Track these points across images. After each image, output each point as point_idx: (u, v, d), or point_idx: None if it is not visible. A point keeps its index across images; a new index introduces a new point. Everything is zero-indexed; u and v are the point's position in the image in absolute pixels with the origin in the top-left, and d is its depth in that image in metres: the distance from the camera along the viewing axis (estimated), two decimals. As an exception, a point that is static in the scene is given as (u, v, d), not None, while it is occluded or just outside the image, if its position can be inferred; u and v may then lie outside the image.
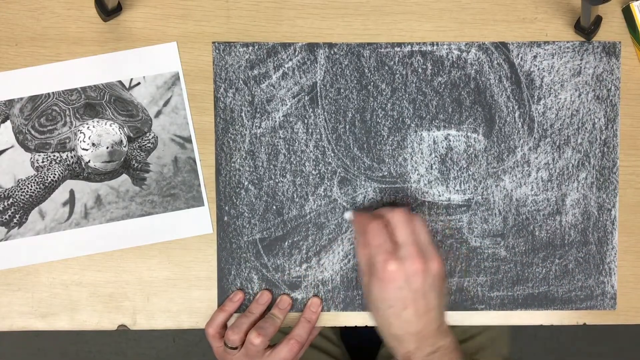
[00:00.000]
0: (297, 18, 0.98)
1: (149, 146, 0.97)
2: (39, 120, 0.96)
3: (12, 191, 0.96)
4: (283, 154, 0.97)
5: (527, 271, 0.98)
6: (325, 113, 0.97)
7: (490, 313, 0.99)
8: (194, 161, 0.97)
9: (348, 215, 0.97)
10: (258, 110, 0.97)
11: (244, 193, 0.97)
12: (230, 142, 0.97)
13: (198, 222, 0.98)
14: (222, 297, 0.98)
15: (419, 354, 0.86)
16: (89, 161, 0.96)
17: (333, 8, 0.98)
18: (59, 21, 0.97)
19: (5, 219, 0.97)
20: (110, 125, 0.97)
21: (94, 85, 0.97)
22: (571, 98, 0.98)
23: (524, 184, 0.98)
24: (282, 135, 0.97)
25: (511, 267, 0.98)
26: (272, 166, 0.97)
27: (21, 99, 0.96)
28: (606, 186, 0.98)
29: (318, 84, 0.97)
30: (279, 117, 0.97)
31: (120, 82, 0.97)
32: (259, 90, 0.97)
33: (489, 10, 0.98)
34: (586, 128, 0.98)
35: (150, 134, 0.97)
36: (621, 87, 0.98)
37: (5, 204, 0.96)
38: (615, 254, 0.98)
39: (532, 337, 2.02)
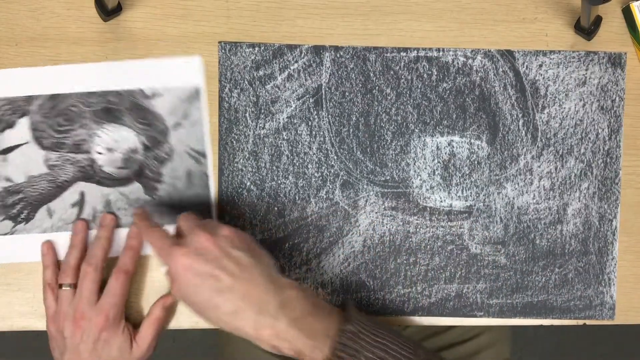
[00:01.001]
0: (297, 18, 0.98)
1: (164, 157, 0.97)
2: (57, 119, 0.96)
3: (22, 186, 0.97)
4: (286, 156, 0.97)
5: (526, 279, 0.98)
6: (329, 116, 0.97)
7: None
8: (207, 177, 0.98)
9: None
10: (262, 111, 0.97)
11: (245, 194, 0.98)
12: (234, 142, 0.97)
13: None
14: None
15: (281, 325, 0.81)
16: (103, 165, 0.97)
17: (333, 8, 0.98)
18: (59, 21, 0.97)
19: (13, 213, 0.97)
20: (128, 132, 0.97)
21: (115, 91, 0.97)
22: (575, 108, 0.98)
23: (526, 192, 0.98)
24: (285, 137, 0.97)
25: (511, 274, 0.98)
26: (274, 167, 0.97)
27: (41, 96, 0.96)
28: (608, 197, 0.98)
29: (323, 87, 0.97)
30: (283, 119, 0.97)
31: (141, 90, 0.97)
32: (263, 91, 0.97)
33: (489, 10, 0.98)
34: (589, 138, 0.98)
35: (166, 145, 0.97)
36: (621, 87, 0.99)
37: (15, 198, 0.97)
38: (615, 264, 0.99)
39: (532, 337, 2.02)
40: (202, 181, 0.97)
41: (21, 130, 0.96)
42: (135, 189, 0.97)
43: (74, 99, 0.96)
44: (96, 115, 0.96)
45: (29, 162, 0.97)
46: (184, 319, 0.99)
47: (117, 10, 0.96)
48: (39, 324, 0.99)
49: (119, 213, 0.97)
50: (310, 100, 0.97)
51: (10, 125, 0.96)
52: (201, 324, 0.99)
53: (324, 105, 0.97)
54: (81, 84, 0.96)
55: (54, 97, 0.96)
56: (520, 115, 0.97)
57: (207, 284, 0.81)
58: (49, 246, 0.96)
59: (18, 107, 0.96)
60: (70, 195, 0.97)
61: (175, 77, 0.97)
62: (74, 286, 0.92)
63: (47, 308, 0.94)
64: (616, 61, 0.98)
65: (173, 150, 0.97)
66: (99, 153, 0.96)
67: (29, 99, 0.96)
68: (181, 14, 0.98)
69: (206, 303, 0.82)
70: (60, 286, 0.93)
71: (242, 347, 1.22)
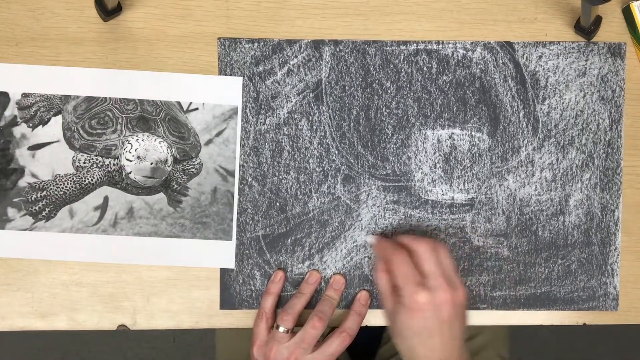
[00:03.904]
0: (297, 18, 0.98)
1: (193, 171, 0.97)
2: (90, 122, 0.96)
3: (47, 184, 0.97)
4: (287, 151, 0.97)
5: (529, 271, 0.98)
6: (329, 110, 0.97)
7: (490, 312, 0.99)
8: (232, 195, 0.98)
9: (370, 239, 0.98)
10: (263, 106, 0.97)
11: (247, 189, 0.97)
12: (240, 135, 0.97)
13: (222, 255, 0.98)
14: (225, 294, 0.98)
15: None
16: (130, 172, 0.97)
17: (333, 8, 0.98)
18: (59, 21, 0.97)
19: (35, 209, 0.97)
20: (159, 143, 0.97)
21: (152, 101, 0.97)
22: (576, 98, 0.98)
23: (528, 184, 0.98)
24: (286, 132, 0.97)
25: (514, 266, 0.98)
26: (276, 163, 0.97)
27: (78, 97, 0.97)
28: (610, 187, 0.98)
29: (323, 81, 0.97)
30: (284, 114, 0.97)
31: (179, 103, 0.97)
32: (263, 87, 0.97)
33: (489, 10, 0.98)
34: (590, 129, 0.98)
35: (196, 160, 0.97)
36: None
37: (39, 195, 0.97)
38: (618, 255, 0.99)
39: (532, 337, 2.02)
40: (227, 199, 0.98)
41: (53, 128, 0.97)
42: (159, 199, 0.97)
43: (110, 104, 0.97)
44: (130, 123, 0.97)
45: (57, 161, 0.97)
46: (184, 319, 0.99)
47: (117, 10, 0.96)
48: (39, 324, 0.99)
49: (141, 222, 0.97)
50: (311, 95, 0.97)
51: (44, 122, 0.97)
52: (201, 324, 0.98)
53: (324, 100, 0.97)
54: (119, 90, 0.97)
55: (89, 99, 0.97)
56: (520, 107, 0.97)
57: (421, 333, 0.87)
58: (282, 276, 0.98)
59: (53, 105, 0.96)
60: (94, 198, 0.97)
61: (214, 95, 0.97)
62: (290, 331, 0.95)
63: (256, 334, 0.97)
64: (616, 51, 0.98)
65: (202, 165, 0.97)
66: (129, 160, 0.96)
67: (66, 98, 0.97)
68: (181, 14, 0.98)
69: (406, 338, 0.89)
70: (278, 327, 0.95)
71: (235, 348, 1.22)
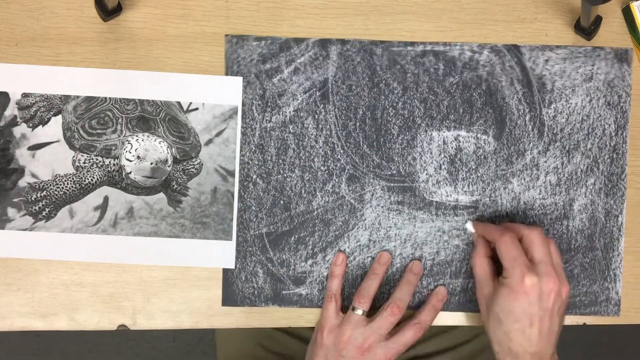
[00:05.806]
0: (297, 18, 0.98)
1: (193, 171, 0.97)
2: (90, 122, 0.96)
3: (47, 184, 0.96)
4: (292, 149, 0.97)
5: (532, 275, 0.98)
6: (335, 109, 0.97)
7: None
8: (232, 195, 0.97)
9: (469, 225, 0.97)
10: (269, 104, 0.97)
11: (252, 187, 0.97)
12: (240, 135, 0.97)
13: (222, 255, 0.98)
14: (227, 290, 0.98)
15: None
16: (130, 172, 0.97)
17: (333, 8, 0.98)
18: (59, 21, 0.97)
19: (35, 209, 0.96)
20: (159, 143, 0.97)
21: (152, 101, 0.97)
22: (582, 103, 0.98)
23: (532, 188, 0.98)
24: (292, 130, 0.97)
25: (517, 270, 0.98)
26: (281, 161, 0.97)
27: (77, 97, 0.97)
28: (614, 192, 0.98)
29: (329, 80, 0.97)
30: (290, 112, 0.97)
31: (179, 103, 0.97)
32: (270, 85, 0.97)
33: (489, 10, 0.98)
34: (596, 134, 0.98)
35: (196, 160, 0.97)
36: (623, 88, 0.99)
37: (39, 195, 0.96)
38: (620, 260, 0.99)
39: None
40: (227, 199, 0.97)
41: (53, 128, 0.97)
42: (159, 199, 0.97)
43: (110, 104, 0.96)
44: (130, 123, 0.97)
45: (56, 161, 0.97)
46: (184, 319, 0.99)
47: (117, 10, 0.96)
48: (39, 324, 0.99)
49: (141, 222, 0.97)
50: (317, 94, 0.97)
51: (44, 122, 0.97)
52: (201, 324, 0.98)
53: (330, 99, 0.97)
54: (119, 90, 0.97)
55: (89, 99, 0.97)
56: (527, 110, 0.98)
57: (522, 319, 0.86)
58: (344, 258, 0.98)
59: (53, 105, 0.96)
60: (94, 198, 0.97)
61: (214, 95, 0.97)
62: (366, 314, 0.94)
63: (325, 317, 0.96)
64: (622, 57, 0.98)
65: (202, 165, 0.97)
66: (129, 160, 0.96)
67: (66, 98, 0.97)
68: (181, 14, 0.98)
69: (504, 324, 0.87)
70: (353, 309, 0.94)
71: (235, 348, 1.22)
